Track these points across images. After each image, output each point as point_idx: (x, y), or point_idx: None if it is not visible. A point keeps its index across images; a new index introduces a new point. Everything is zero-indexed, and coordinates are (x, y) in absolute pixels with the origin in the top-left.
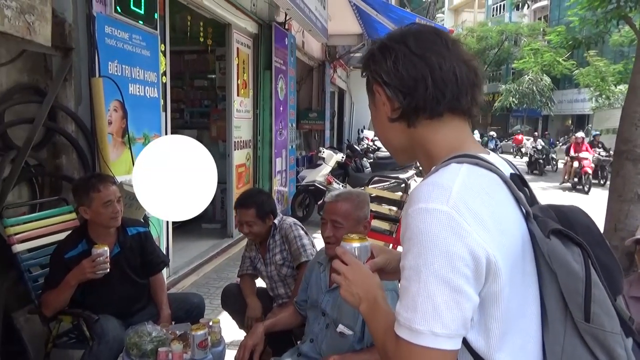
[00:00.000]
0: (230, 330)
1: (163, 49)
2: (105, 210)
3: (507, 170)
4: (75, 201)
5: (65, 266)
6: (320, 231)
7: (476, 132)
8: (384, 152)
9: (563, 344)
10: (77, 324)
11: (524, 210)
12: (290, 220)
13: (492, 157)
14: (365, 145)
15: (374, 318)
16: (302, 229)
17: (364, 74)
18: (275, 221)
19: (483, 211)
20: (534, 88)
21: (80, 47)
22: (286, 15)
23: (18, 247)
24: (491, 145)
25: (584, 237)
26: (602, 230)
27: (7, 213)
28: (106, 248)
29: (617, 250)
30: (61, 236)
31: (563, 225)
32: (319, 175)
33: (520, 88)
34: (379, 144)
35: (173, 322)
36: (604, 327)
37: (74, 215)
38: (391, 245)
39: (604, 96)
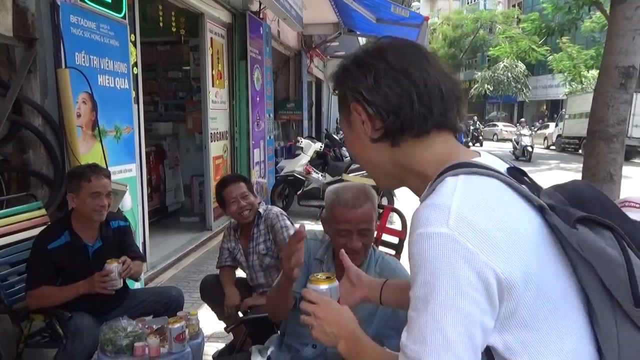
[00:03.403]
0: (211, 322)
1: (133, 39)
2: (92, 201)
3: (503, 167)
4: (67, 188)
5: (48, 257)
6: (300, 221)
7: None
8: None
9: (618, 336)
10: (50, 322)
11: (537, 205)
12: (276, 210)
13: (485, 158)
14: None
15: (359, 354)
16: (289, 219)
17: (336, 91)
18: (260, 210)
19: (487, 224)
20: (509, 75)
21: (44, 37)
22: (260, 3)
23: None
24: (461, 140)
25: (599, 210)
26: None
27: None
28: (118, 264)
29: None
30: (31, 233)
31: (573, 204)
32: (298, 165)
33: (495, 75)
34: None
35: (151, 317)
36: None
37: (43, 211)
38: None
39: (576, 81)
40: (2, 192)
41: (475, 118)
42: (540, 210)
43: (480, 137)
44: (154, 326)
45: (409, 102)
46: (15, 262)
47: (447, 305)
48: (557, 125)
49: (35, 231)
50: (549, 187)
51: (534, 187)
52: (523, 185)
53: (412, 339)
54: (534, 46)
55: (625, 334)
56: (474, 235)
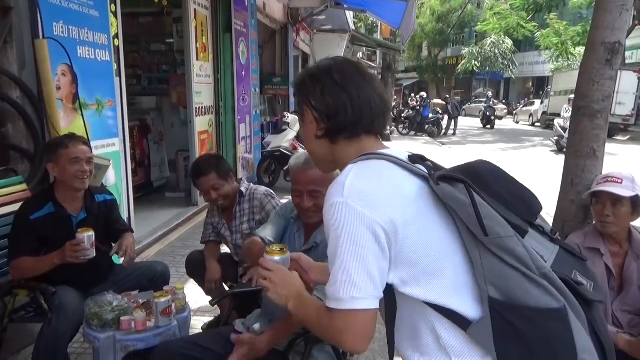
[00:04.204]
0: (197, 296)
1: (114, 10)
2: (71, 167)
3: (404, 155)
4: (46, 159)
5: (31, 228)
6: (287, 197)
7: (423, 93)
8: None
9: (482, 263)
10: (34, 297)
11: (420, 175)
12: (262, 189)
13: (391, 150)
14: None
15: (304, 308)
16: (276, 197)
17: (295, 97)
18: (243, 189)
19: (370, 188)
20: (496, 51)
21: (20, 6)
22: None
23: None
24: (425, 113)
25: (492, 179)
26: (559, 185)
27: None
28: (91, 233)
29: (574, 204)
30: (12, 208)
31: (470, 176)
32: (284, 140)
33: (483, 51)
34: None
35: (137, 291)
36: (499, 235)
37: (24, 186)
38: None
39: (563, 58)
40: None
41: (490, 94)
42: (425, 179)
43: (493, 118)
44: (140, 300)
45: (344, 111)
46: None
47: (348, 253)
48: (542, 102)
49: (17, 206)
50: (453, 167)
51: (435, 167)
52: (417, 165)
53: (330, 284)
54: (522, 22)
55: (486, 260)
56: (360, 199)
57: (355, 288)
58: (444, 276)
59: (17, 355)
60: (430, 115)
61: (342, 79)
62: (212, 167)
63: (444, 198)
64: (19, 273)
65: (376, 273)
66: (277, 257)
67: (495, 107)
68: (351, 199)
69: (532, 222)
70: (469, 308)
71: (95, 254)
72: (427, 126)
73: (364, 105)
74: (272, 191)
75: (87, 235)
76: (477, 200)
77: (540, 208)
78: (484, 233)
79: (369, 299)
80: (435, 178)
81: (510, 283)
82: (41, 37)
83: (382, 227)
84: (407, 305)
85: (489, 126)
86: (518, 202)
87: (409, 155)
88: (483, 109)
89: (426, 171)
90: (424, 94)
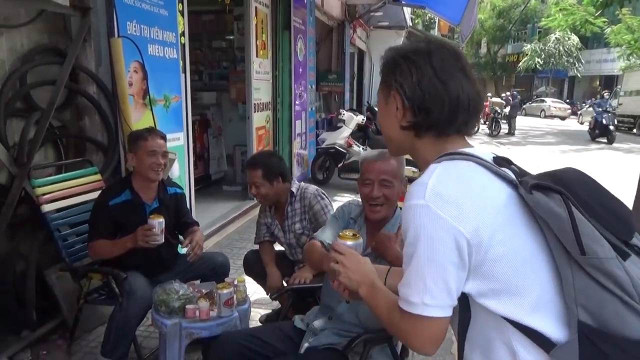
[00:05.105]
0: (255, 289)
1: (181, 9)
2: (148, 159)
3: (489, 156)
4: (127, 148)
5: (109, 212)
6: (340, 194)
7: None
8: None
9: (573, 283)
10: (107, 282)
11: (509, 180)
12: (312, 189)
13: (475, 150)
14: None
15: (375, 299)
16: (326, 197)
17: (382, 77)
18: (294, 189)
19: (455, 194)
20: (561, 48)
21: (98, 7)
22: None
23: (46, 207)
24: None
25: (584, 190)
26: (633, 191)
27: (34, 174)
28: (161, 220)
29: None
30: (87, 197)
31: (558, 185)
32: (339, 137)
33: (546, 48)
34: None
35: (199, 281)
36: (598, 255)
37: (98, 176)
38: None
39: (636, 55)
40: (61, 157)
41: (605, 94)
42: (514, 185)
43: (612, 127)
44: (204, 290)
45: (440, 107)
46: (75, 223)
47: (425, 259)
48: None
49: (92, 195)
50: (540, 172)
51: (521, 172)
52: (503, 169)
53: (403, 284)
54: (590, 18)
55: (578, 279)
56: (443, 204)
57: (428, 294)
58: (527, 293)
59: (89, 334)
60: None
61: (443, 70)
62: (260, 165)
63: (536, 209)
64: (96, 254)
65: (452, 282)
66: (349, 242)
67: (614, 111)
68: (433, 202)
69: (628, 242)
70: (553, 329)
71: (164, 240)
72: None
73: (462, 104)
74: (322, 191)
75: (158, 222)
76: (576, 215)
77: (634, 225)
78: (580, 251)
79: (442, 308)
80: (528, 186)
81: (606, 309)
82: (116, 35)
83: (465, 236)
84: (482, 316)
85: (604, 139)
86: (612, 218)
87: (493, 157)
88: (594, 114)
89: (513, 176)
90: None
